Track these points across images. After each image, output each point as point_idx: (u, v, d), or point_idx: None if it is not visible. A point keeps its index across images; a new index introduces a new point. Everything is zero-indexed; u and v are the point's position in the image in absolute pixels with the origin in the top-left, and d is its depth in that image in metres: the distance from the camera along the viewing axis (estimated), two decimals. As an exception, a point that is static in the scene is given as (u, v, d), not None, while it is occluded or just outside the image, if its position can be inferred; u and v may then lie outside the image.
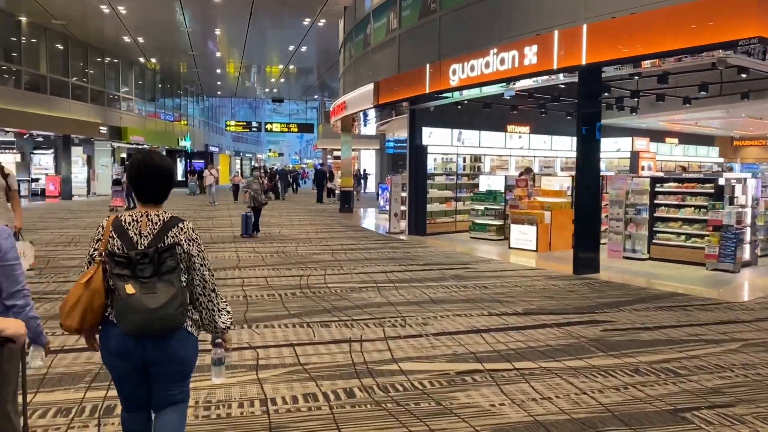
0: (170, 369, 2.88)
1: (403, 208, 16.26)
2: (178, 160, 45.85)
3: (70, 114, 28.56)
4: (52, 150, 30.89)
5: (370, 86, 16.02)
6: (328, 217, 21.43)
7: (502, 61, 11.19)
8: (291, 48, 30.52)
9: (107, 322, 2.84)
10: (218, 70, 38.72)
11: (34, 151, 32.42)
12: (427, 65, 13.34)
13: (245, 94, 53.36)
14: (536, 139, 18.43)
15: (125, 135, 33.81)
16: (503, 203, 14.56)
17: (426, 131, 15.80)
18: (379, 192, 22.71)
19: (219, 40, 29.96)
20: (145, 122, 37.66)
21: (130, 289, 2.70)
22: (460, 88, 12.54)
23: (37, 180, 29.21)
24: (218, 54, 33.38)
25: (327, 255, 12.17)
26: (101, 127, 30.88)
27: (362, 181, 37.87)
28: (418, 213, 15.70)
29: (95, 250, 2.85)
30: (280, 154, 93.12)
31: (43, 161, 32.44)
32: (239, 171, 44.88)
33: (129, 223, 2.85)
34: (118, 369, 2.88)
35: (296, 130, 50.27)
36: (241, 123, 50.19)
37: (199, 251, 2.91)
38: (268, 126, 49.70)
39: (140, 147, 39.97)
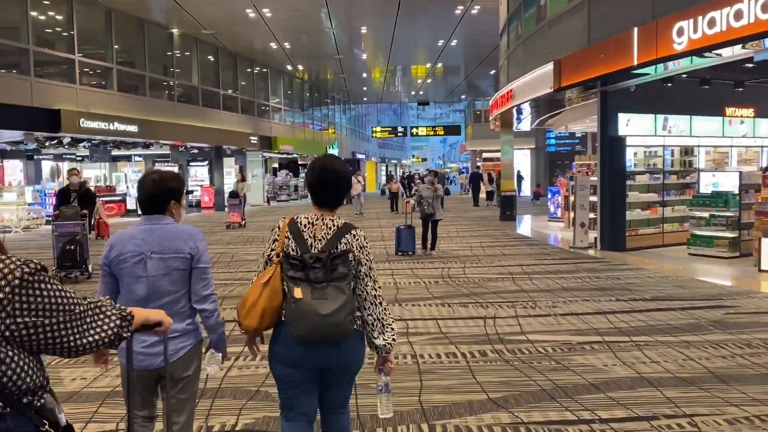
0: (345, 372, 2.79)
1: (591, 215, 12.81)
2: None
3: (222, 125, 27.78)
4: (206, 162, 30.46)
5: (548, 67, 12.75)
6: (489, 225, 18.36)
7: (765, 7, 7.56)
8: (440, 43, 27.76)
9: (281, 325, 2.71)
10: (364, 75, 36.93)
11: (190, 164, 32.43)
12: (635, 29, 9.87)
13: (390, 99, 51.53)
14: (765, 125, 14.12)
15: (275, 144, 32.82)
16: (737, 208, 10.71)
17: (623, 118, 12.25)
18: (548, 196, 19.20)
19: (365, 39, 27.88)
20: (294, 131, 36.69)
21: (298, 293, 2.61)
22: (689, 53, 8.97)
23: (191, 192, 28.67)
24: (364, 56, 31.41)
25: (507, 282, 9.16)
26: (252, 137, 29.98)
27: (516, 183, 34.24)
28: (615, 222, 12.20)
29: (272, 250, 2.78)
30: (424, 159, 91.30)
31: (199, 173, 32.31)
32: (398, 176, 42.60)
33: (305, 226, 2.78)
34: (289, 376, 2.74)
35: (442, 132, 47.54)
36: (387, 128, 48.31)
37: (367, 260, 2.78)
38: (414, 130, 47.39)
39: (290, 156, 39.31)
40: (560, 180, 18.96)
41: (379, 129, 47.71)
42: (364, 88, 42.56)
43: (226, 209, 19.38)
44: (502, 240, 14.63)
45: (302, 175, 39.96)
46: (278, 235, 2.79)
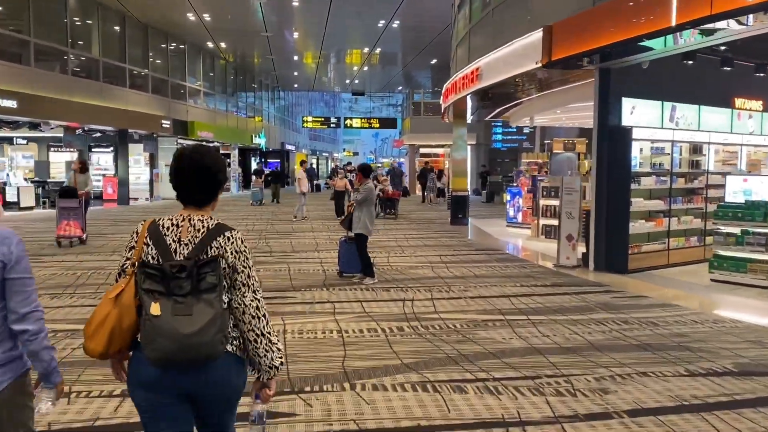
0: (218, 401, 2.31)
1: (561, 225, 10.12)
2: (252, 159, 41.01)
3: (128, 105, 23.75)
4: (112, 147, 26.24)
5: (533, 36, 9.92)
6: (441, 231, 15.50)
7: None
8: (380, 24, 24.73)
9: (137, 347, 2.26)
10: (295, 57, 33.43)
11: (92, 149, 28.05)
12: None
13: (323, 88, 48.16)
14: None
15: (192, 130, 28.89)
16: (780, 224, 8.24)
17: (627, 105, 9.58)
18: (507, 198, 16.53)
19: (297, 14, 24.48)
20: (215, 117, 32.76)
21: (156, 309, 2.14)
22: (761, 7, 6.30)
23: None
24: (296, 34, 27.95)
25: (504, 330, 6.25)
26: (164, 121, 26.02)
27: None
28: (615, 237, 9.55)
29: (127, 259, 2.32)
30: (355, 153, 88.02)
31: (103, 160, 27.97)
32: (342, 169, 39.28)
33: (168, 228, 2.31)
34: (151, 403, 2.26)
35: (377, 125, 44.59)
36: (319, 119, 44.95)
37: (245, 266, 2.31)
38: (347, 122, 44.27)
39: (211, 144, 35.35)
40: (522, 179, 16.33)
41: (310, 119, 44.29)
42: (295, 73, 39.00)
43: (57, 214, 12.08)
44: (464, 252, 11.77)
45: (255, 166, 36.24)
46: (136, 241, 2.32)
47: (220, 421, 2.38)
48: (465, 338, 5.93)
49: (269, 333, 2.32)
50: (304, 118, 44.71)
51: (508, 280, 8.90)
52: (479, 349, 5.59)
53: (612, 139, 9.51)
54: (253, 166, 39.86)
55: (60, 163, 24.91)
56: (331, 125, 45.35)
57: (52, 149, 26.90)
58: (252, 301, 2.30)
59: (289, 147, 46.06)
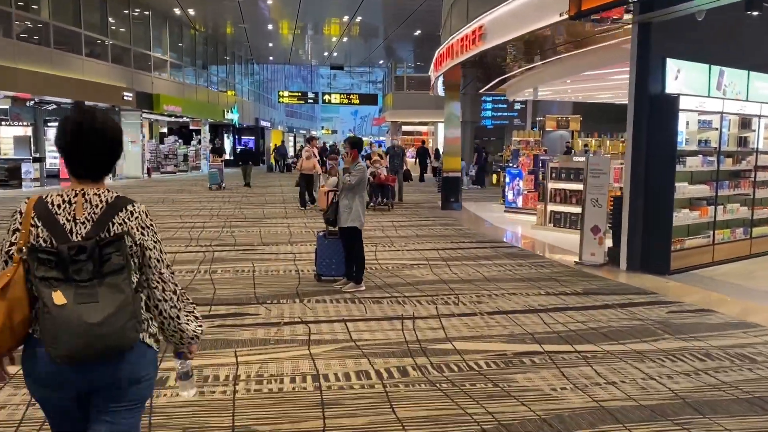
0: (122, 394, 2.00)
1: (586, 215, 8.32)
2: (225, 135, 38.63)
3: (84, 75, 21.37)
4: (68, 122, 23.80)
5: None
6: (433, 217, 13.63)
7: None
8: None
9: (32, 342, 1.96)
10: (269, 26, 31.02)
11: (48, 124, 25.61)
12: None
13: (299, 62, 45.69)
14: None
15: (158, 104, 26.56)
16: None
17: (672, 68, 7.73)
18: (506, 179, 14.69)
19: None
20: (184, 90, 30.36)
21: (59, 298, 1.84)
22: None
23: (42, 159, 22.05)
24: (269, 0, 25.61)
25: (543, 367, 4.41)
26: (126, 93, 23.67)
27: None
28: (653, 229, 7.76)
29: (12, 244, 1.96)
30: (334, 131, 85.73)
31: (60, 136, 25.55)
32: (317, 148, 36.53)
33: (59, 206, 1.98)
34: (53, 402, 2.02)
35: (357, 101, 42.39)
36: (296, 93, 42.61)
37: (155, 242, 2.07)
38: (326, 97, 41.99)
39: (180, 120, 32.95)
40: (523, 159, 14.49)
41: (286, 94, 41.96)
42: (270, 44, 36.54)
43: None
44: (465, 245, 9.93)
45: (195, 142, 33.81)
46: (21, 224, 1.97)
47: (124, 419, 2.03)
48: (497, 388, 4.09)
49: (185, 307, 2.13)
50: (280, 93, 42.36)
51: (528, 286, 7.08)
52: (523, 411, 3.76)
53: (654, 110, 7.68)
54: (227, 143, 37.49)
55: (8, 138, 22.53)
56: (309, 101, 43.03)
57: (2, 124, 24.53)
58: (169, 277, 2.08)
59: (264, 123, 43.69)
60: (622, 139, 25.52)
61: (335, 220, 6.82)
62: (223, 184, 20.56)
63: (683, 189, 7.93)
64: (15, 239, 1.97)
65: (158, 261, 2.06)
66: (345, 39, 33.68)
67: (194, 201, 16.59)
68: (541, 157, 14.29)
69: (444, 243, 10.09)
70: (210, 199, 16.98)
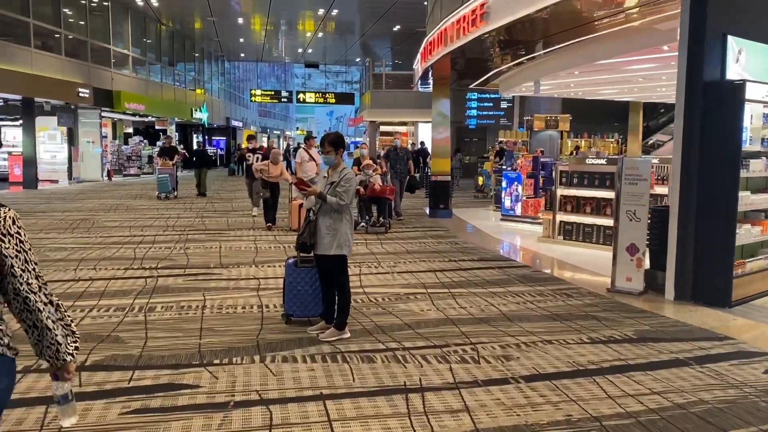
0: None
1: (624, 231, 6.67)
2: (194, 135, 36.49)
3: (33, 69, 19.21)
4: (21, 120, 21.55)
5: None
6: (422, 227, 11.89)
7: None
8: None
9: None
10: (240, 20, 29.04)
11: (1, 122, 23.35)
12: None
13: (272, 59, 43.71)
14: None
15: (118, 102, 24.43)
16: None
17: (733, 48, 6.12)
18: (503, 183, 13.03)
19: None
20: (148, 87, 28.20)
21: None
22: None
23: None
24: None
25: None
26: (81, 89, 21.50)
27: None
28: (709, 249, 6.15)
29: None
30: (309, 132, 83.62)
31: (11, 135, 23.29)
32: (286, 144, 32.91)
33: None
34: None
35: (333, 100, 40.48)
36: (269, 92, 40.59)
37: (18, 251, 1.95)
38: (300, 96, 40.05)
39: (145, 120, 30.76)
40: (521, 162, 12.85)
41: (259, 92, 39.91)
42: (241, 40, 34.51)
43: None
44: (466, 264, 8.22)
45: (160, 143, 31.59)
46: None
47: None
48: None
49: (61, 318, 2.01)
50: (253, 92, 40.31)
51: (562, 327, 5.40)
52: None
53: (712, 100, 6.06)
54: (194, 143, 35.30)
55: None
56: (283, 100, 41.02)
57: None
58: (39, 287, 1.97)
59: (235, 123, 41.63)
60: (612, 140, 24.32)
61: (312, 245, 5.06)
62: (176, 192, 17.32)
63: (746, 199, 6.33)
64: None
65: (23, 270, 1.95)
66: (320, 34, 31.87)
67: (151, 208, 14.64)
68: (542, 159, 12.69)
69: (441, 261, 8.37)
70: (169, 207, 15.05)
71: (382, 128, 35.29)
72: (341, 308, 5.06)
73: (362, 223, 10.97)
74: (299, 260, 5.37)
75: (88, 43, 23.19)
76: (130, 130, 31.87)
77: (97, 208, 14.61)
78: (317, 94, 40.53)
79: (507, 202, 12.68)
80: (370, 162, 12.02)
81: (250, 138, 15.21)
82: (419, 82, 17.52)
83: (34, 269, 1.97)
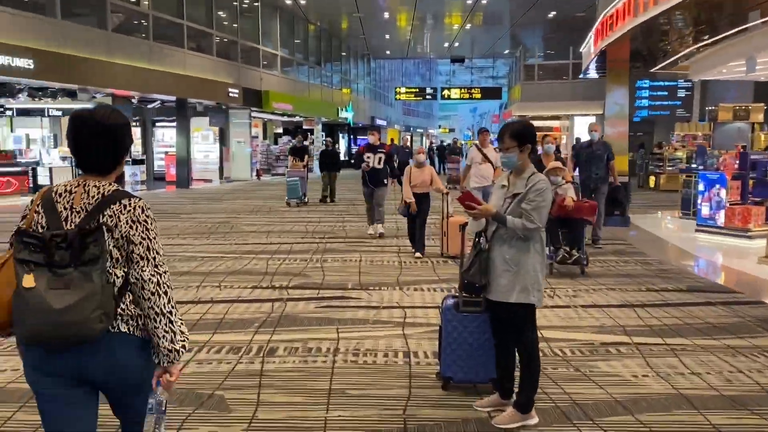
0: (115, 382, 2.04)
1: None
2: (340, 135, 36.34)
3: (186, 70, 19.47)
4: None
5: None
6: (602, 241, 9.81)
7: None
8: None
9: None
10: (386, 15, 28.11)
11: (156, 124, 24.26)
12: None
13: (417, 55, 42.57)
14: None
15: (267, 101, 24.45)
16: None
17: None
18: (699, 186, 10.57)
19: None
20: (295, 87, 28.15)
21: (29, 281, 1.87)
22: None
23: (140, 162, 20.40)
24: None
25: None
26: (231, 90, 21.64)
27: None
28: None
29: (18, 228, 2.02)
30: (451, 130, 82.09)
31: (168, 136, 24.14)
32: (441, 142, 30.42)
33: (60, 195, 2.04)
34: (39, 385, 2.00)
35: (479, 95, 38.51)
36: (413, 89, 39.50)
37: (144, 238, 2.02)
38: (445, 92, 38.58)
39: (295, 120, 30.89)
40: (724, 159, 10.35)
41: (403, 90, 38.96)
42: (387, 36, 33.67)
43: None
44: (674, 297, 6.17)
45: (308, 142, 31.57)
46: (28, 210, 2.07)
47: (124, 404, 2.12)
48: None
49: (170, 312, 2.04)
50: (397, 90, 39.46)
51: None
52: None
53: None
54: (341, 143, 35.09)
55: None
56: (427, 97, 39.69)
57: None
58: (152, 276, 2.01)
59: (380, 122, 41.10)
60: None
61: (483, 286, 3.47)
62: (306, 198, 15.08)
63: None
64: (21, 224, 2.03)
65: (141, 258, 2.00)
66: (468, 26, 30.14)
67: (292, 211, 13.88)
68: (753, 157, 10.12)
69: (637, 291, 6.42)
70: (310, 209, 14.20)
71: (534, 123, 32.90)
72: (526, 380, 3.42)
73: (549, 258, 7.01)
74: (461, 302, 3.81)
75: (238, 44, 23.35)
76: (280, 130, 32.27)
77: (240, 209, 14.11)
78: (462, 90, 38.85)
79: (705, 210, 10.24)
80: (559, 165, 7.66)
81: (372, 129, 11.81)
82: (589, 68, 15.31)
83: (155, 258, 2.02)
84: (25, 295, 1.86)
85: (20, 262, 1.90)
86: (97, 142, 2.05)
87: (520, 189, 3.36)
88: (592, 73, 19.16)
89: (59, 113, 18.46)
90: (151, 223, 2.05)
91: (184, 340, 2.07)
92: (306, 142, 30.47)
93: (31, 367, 2.00)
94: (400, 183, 8.97)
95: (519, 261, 3.33)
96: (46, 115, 18.74)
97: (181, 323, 2.08)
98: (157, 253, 2.04)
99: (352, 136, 39.11)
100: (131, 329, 2.01)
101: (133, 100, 20.20)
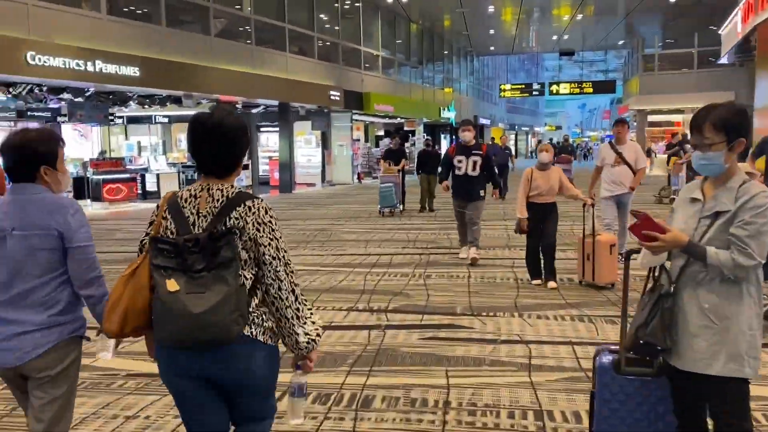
0: (240, 388, 2.10)
1: None
2: (442, 136, 35.36)
3: (287, 73, 19.26)
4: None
5: None
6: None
7: None
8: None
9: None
10: (490, 9, 26.80)
11: (261, 129, 24.37)
12: None
13: (523, 51, 40.74)
14: None
15: (368, 103, 23.91)
16: None
17: None
18: None
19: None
20: (396, 87, 27.46)
21: (172, 285, 1.93)
22: None
23: (245, 167, 20.35)
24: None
25: None
26: (333, 92, 21.26)
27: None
28: None
29: (147, 235, 2.13)
30: (558, 128, 78.86)
31: (272, 141, 24.21)
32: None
33: (186, 200, 2.09)
34: (175, 386, 2.09)
35: (590, 90, 36.23)
36: (519, 86, 37.82)
37: (271, 239, 2.05)
38: (553, 87, 36.66)
39: (395, 122, 30.27)
40: None
41: (508, 87, 37.40)
42: (491, 32, 32.24)
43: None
44: None
45: (409, 144, 30.82)
46: (155, 216, 2.13)
47: (249, 409, 2.17)
48: None
49: (300, 310, 2.08)
50: (502, 87, 37.94)
51: None
52: None
53: None
54: (443, 144, 34.01)
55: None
56: (534, 93, 37.92)
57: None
58: (286, 275, 2.04)
59: (483, 121, 39.65)
60: None
61: (667, 349, 2.37)
62: (400, 206, 13.40)
63: None
64: (149, 230, 2.10)
65: (273, 258, 2.02)
66: (579, 16, 28.18)
67: (393, 216, 13.07)
68: None
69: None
70: (411, 215, 13.33)
71: (650, 118, 30.31)
72: None
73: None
74: (623, 359, 2.71)
75: (339, 45, 22.95)
76: (381, 132, 31.77)
77: (339, 214, 13.50)
78: (572, 85, 36.78)
79: None
80: (749, 167, 5.57)
81: (465, 124, 7.93)
82: (727, 53, 13.40)
83: (284, 257, 2.05)
84: (167, 299, 1.92)
85: (157, 268, 1.96)
86: (215, 144, 2.07)
87: (726, 205, 2.24)
88: (726, 60, 16.96)
89: (166, 120, 18.75)
90: (276, 223, 2.09)
91: (317, 329, 2.13)
92: (407, 144, 29.61)
93: (167, 369, 2.06)
94: (503, 194, 7.16)
95: (725, 313, 2.22)
96: (154, 122, 19.10)
97: (311, 313, 2.13)
98: (285, 252, 2.07)
99: (454, 137, 37.96)
100: (261, 334, 2.04)
101: (237, 106, 20.30)
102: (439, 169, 8.58)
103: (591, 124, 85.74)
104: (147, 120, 19.09)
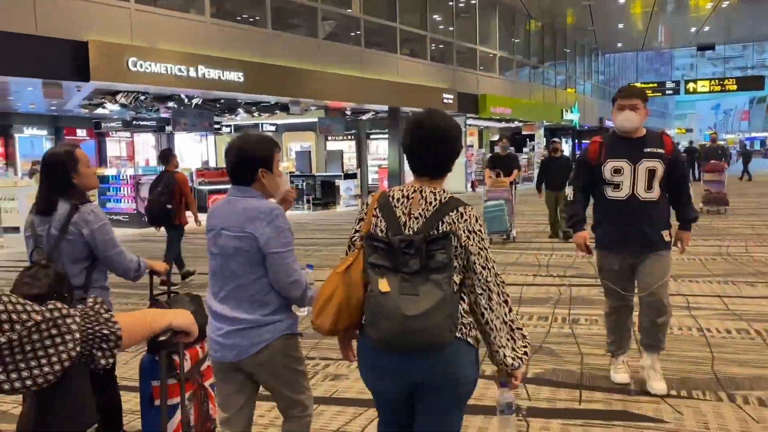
0: (440, 392, 2.04)
1: None
2: (563, 140, 32.66)
3: (398, 77, 17.93)
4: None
5: None
6: None
7: None
8: None
9: (363, 332, 2.09)
10: (620, 0, 24.07)
11: (370, 136, 23.28)
12: None
13: (654, 47, 37.08)
14: None
15: (484, 106, 22.08)
16: None
17: None
18: None
19: None
20: (514, 89, 25.34)
21: (384, 285, 1.92)
22: None
23: (353, 176, 19.27)
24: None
25: None
26: (446, 95, 19.68)
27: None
28: None
29: (356, 232, 2.15)
30: (689, 130, 72.28)
31: (382, 149, 23.08)
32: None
33: (398, 200, 2.07)
34: (377, 387, 2.13)
35: (733, 87, 32.10)
36: (651, 84, 34.23)
37: (481, 249, 2.01)
38: (690, 85, 32.85)
39: (512, 126, 28.18)
40: None
41: (639, 86, 33.93)
42: (620, 26, 29.30)
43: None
44: None
45: (528, 149, 28.57)
46: (365, 213, 2.13)
47: (445, 417, 2.07)
48: None
49: (512, 321, 2.04)
50: (631, 85, 34.61)
51: None
52: None
53: None
54: (565, 148, 31.41)
55: (336, 151, 20.58)
56: (667, 92, 34.19)
57: (329, 139, 23.05)
58: (496, 285, 2.01)
59: (609, 124, 36.35)
60: None
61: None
62: (513, 231, 10.12)
63: None
64: (359, 227, 2.11)
65: (483, 268, 2.00)
66: (725, 3, 24.72)
67: (505, 244, 11.19)
68: None
69: None
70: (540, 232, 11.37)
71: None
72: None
73: None
74: None
75: (453, 46, 21.33)
76: (496, 137, 29.79)
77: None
78: (712, 82, 32.82)
79: None
80: None
81: (628, 95, 3.95)
82: None
83: (493, 267, 2.02)
84: (381, 298, 1.91)
85: (371, 266, 1.97)
86: (432, 145, 2.06)
87: None
88: None
89: (274, 128, 18.00)
90: (485, 232, 2.06)
91: (526, 346, 2.07)
92: (526, 151, 27.12)
93: (371, 368, 2.07)
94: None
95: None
96: (262, 130, 18.46)
97: (522, 327, 2.07)
98: (495, 262, 2.05)
99: (576, 141, 35.07)
100: (468, 338, 2.01)
101: (346, 112, 19.26)
102: (568, 190, 5.34)
103: (727, 126, 77.85)
104: (255, 128, 18.47)
